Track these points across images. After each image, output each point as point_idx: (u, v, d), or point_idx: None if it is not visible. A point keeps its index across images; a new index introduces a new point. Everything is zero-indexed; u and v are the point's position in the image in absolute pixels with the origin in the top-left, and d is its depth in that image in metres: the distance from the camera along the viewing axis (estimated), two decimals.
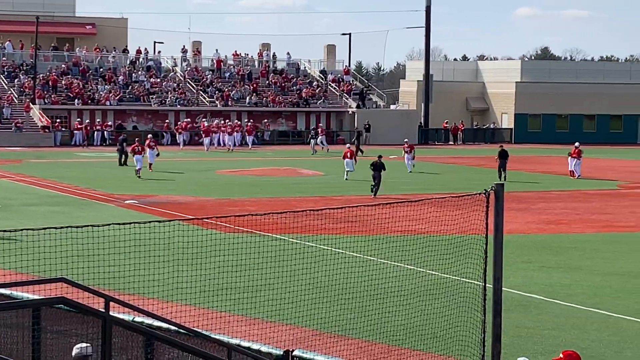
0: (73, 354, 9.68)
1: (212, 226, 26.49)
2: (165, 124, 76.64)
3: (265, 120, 79.89)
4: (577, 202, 38.31)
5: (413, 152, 51.79)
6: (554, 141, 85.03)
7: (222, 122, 74.84)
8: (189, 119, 77.19)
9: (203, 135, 71.12)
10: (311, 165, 56.00)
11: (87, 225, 11.18)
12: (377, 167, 40.28)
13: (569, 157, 50.32)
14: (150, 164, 49.29)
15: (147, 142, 49.44)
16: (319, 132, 72.13)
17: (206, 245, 18.81)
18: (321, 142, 70.49)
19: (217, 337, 12.22)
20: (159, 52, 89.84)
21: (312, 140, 69.42)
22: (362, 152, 64.21)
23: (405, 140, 55.46)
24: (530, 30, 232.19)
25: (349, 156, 46.83)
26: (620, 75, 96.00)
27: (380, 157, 41.44)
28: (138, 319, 11.96)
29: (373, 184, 39.86)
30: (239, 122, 76.81)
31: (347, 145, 51.60)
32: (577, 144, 51.68)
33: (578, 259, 25.16)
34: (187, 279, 17.74)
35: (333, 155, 65.56)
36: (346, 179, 45.96)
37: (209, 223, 26.44)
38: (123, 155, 53.38)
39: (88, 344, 9.78)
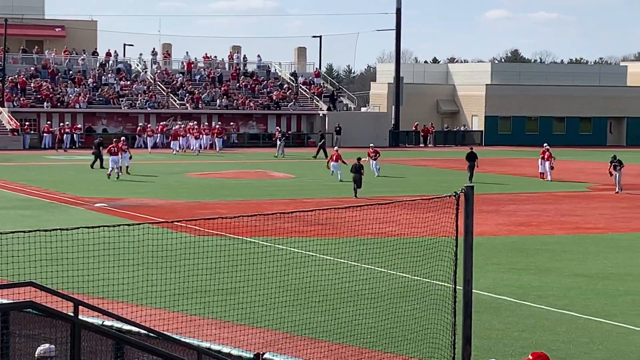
0: (36, 354, 9.63)
1: (183, 229, 26.42)
2: (139, 128, 75.85)
3: (232, 123, 79.71)
4: (547, 204, 38.51)
5: (378, 156, 51.43)
6: (524, 143, 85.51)
7: (189, 125, 74.39)
8: (163, 122, 76.97)
9: (171, 139, 71.01)
10: (282, 167, 55.97)
11: (56, 229, 11.12)
12: (357, 169, 40.96)
13: (540, 159, 50.56)
14: (127, 167, 49.10)
15: (120, 145, 49.24)
16: (276, 134, 72.20)
17: (176, 249, 18.75)
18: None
19: (187, 340, 12.18)
20: (129, 58, 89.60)
21: (278, 142, 69.40)
22: (325, 155, 64.49)
23: (371, 144, 55.27)
24: (501, 32, 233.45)
25: (334, 159, 47.20)
26: (590, 77, 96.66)
27: (359, 159, 42.06)
28: (108, 322, 11.91)
29: (354, 185, 40.44)
30: (207, 125, 76.42)
31: (335, 148, 51.35)
32: (546, 145, 52.00)
33: (548, 261, 25.28)
34: (158, 282, 17.66)
35: (302, 158, 65.58)
36: (340, 180, 46.15)
37: (179, 226, 26.37)
38: (99, 159, 53.09)
39: (52, 346, 9.72)
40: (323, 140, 69.39)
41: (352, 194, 39.92)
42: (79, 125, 75.37)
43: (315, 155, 66.30)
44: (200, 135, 72.93)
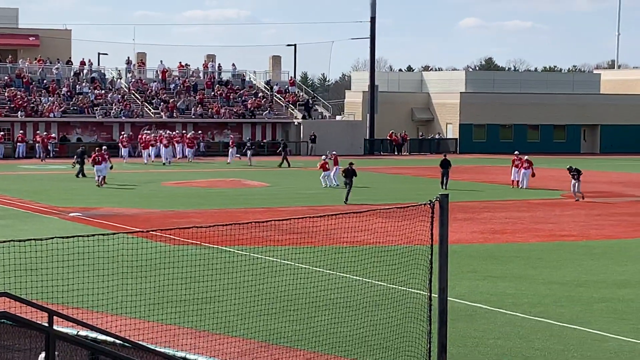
0: None
1: (158, 238, 26.35)
2: (121, 137, 73.45)
3: (200, 132, 78.65)
4: (521, 212, 38.66)
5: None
6: (499, 151, 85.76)
7: (160, 133, 72.48)
8: (132, 132, 76.51)
9: (142, 148, 70.46)
10: (257, 176, 55.94)
11: (31, 239, 11.07)
12: (349, 173, 42.04)
13: (512, 167, 50.67)
14: (104, 177, 48.96)
15: (101, 154, 49.27)
16: (230, 144, 71.42)
17: (152, 258, 18.71)
18: (236, 154, 70.08)
19: (163, 350, 12.15)
20: (104, 67, 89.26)
21: (248, 151, 69.22)
22: (289, 164, 65.21)
23: (333, 152, 54.77)
24: (475, 41, 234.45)
25: (327, 168, 48.47)
26: (564, 85, 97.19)
27: (351, 164, 43.20)
28: (83, 332, 11.86)
29: (346, 190, 41.51)
30: (178, 133, 75.30)
31: (322, 157, 51.34)
32: (517, 152, 52.25)
33: (523, 268, 25.38)
34: (133, 292, 17.61)
35: (268, 166, 65.56)
36: (337, 185, 47.33)
37: (155, 235, 26.30)
38: (81, 168, 52.87)
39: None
40: (287, 149, 69.53)
41: (328, 201, 39.97)
42: (53, 135, 74.91)
43: (280, 164, 66.26)
44: (169, 144, 70.20)
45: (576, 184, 44.23)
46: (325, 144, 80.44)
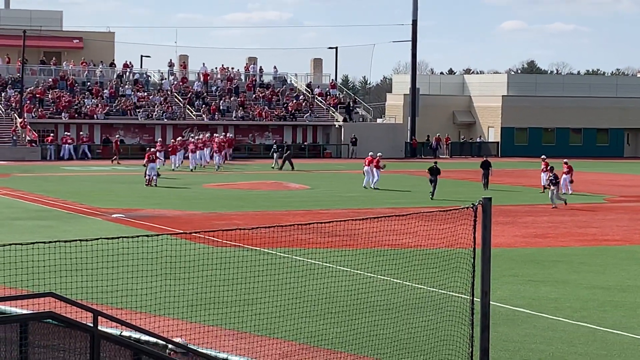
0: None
1: (200, 240, 26.48)
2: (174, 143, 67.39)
3: (230, 135, 75.22)
4: (564, 216, 38.41)
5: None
6: (541, 155, 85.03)
7: (197, 137, 68.83)
8: (174, 134, 76.87)
9: (170, 153, 63.28)
10: (298, 178, 56.04)
11: (76, 240, 11.17)
12: (434, 171, 44.40)
13: (542, 171, 49.62)
14: (155, 177, 49.81)
15: (154, 153, 51.13)
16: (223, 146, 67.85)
17: (194, 259, 18.81)
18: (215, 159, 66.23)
19: (205, 351, 12.22)
20: (146, 69, 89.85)
21: (274, 154, 67.34)
22: (292, 166, 64.03)
23: (379, 154, 54.64)
24: (517, 43, 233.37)
25: (367, 164, 49.73)
26: (607, 89, 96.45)
27: (436, 162, 46.16)
28: (126, 333, 11.95)
29: (431, 187, 43.89)
30: (207, 137, 69.39)
31: (370, 153, 51.64)
32: (543, 156, 51.96)
33: (565, 273, 25.23)
34: (176, 293, 17.73)
35: (318, 169, 65.54)
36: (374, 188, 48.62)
37: (197, 237, 26.43)
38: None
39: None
40: (289, 152, 66.90)
41: (366, 205, 40.14)
42: (120, 138, 72.99)
43: (280, 167, 64.63)
44: (196, 149, 64.66)
45: (555, 190, 41.82)
46: (366, 147, 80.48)
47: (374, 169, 49.48)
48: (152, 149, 53.22)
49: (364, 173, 50.48)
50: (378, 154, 50.91)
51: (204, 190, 48.17)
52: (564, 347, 17.24)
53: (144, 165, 51.20)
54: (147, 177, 49.69)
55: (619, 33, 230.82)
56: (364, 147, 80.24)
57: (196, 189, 48.99)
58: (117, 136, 73.44)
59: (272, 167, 65.61)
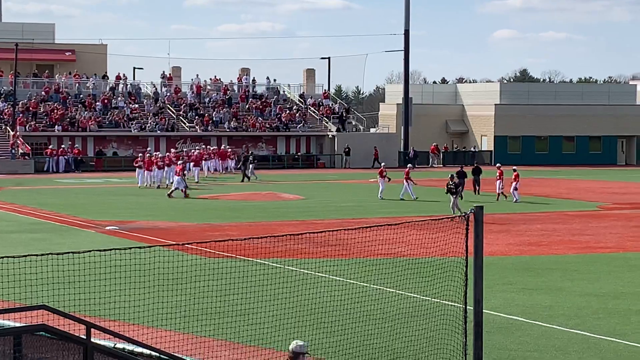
0: (290, 348, 11.24)
1: (193, 251, 26.48)
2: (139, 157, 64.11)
3: (208, 147, 72.74)
4: (557, 224, 38.46)
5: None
6: (534, 163, 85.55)
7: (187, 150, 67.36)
8: (168, 146, 76.81)
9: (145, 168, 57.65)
10: (292, 189, 56.03)
11: (68, 252, 11.19)
12: (461, 175, 47.20)
13: (496, 180, 49.74)
14: (185, 188, 50.26)
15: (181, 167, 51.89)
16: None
17: (187, 271, 18.82)
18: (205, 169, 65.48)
19: None
20: (139, 81, 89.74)
21: (250, 165, 64.12)
22: (248, 178, 61.96)
23: (382, 163, 56.10)
24: (509, 52, 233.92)
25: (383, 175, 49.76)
26: (599, 96, 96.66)
27: (462, 166, 50.05)
28: (119, 345, 11.95)
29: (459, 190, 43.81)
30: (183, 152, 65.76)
31: (383, 164, 54.43)
32: (498, 164, 52.97)
33: (559, 281, 25.25)
34: (169, 304, 17.72)
35: (312, 179, 65.56)
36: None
37: (190, 248, 26.43)
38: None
39: (304, 342, 11.28)
40: (247, 162, 64.01)
41: (360, 215, 40.26)
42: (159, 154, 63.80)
43: (247, 177, 62.55)
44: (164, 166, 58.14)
45: (454, 199, 40.36)
46: (360, 157, 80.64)
47: (381, 179, 49.27)
48: (179, 163, 54.15)
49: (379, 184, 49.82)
50: (408, 166, 53.43)
51: (198, 202, 48.16)
52: (558, 354, 17.25)
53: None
54: (184, 188, 50.09)
55: (611, 41, 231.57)
56: (357, 157, 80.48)
57: (189, 200, 48.97)
58: (156, 153, 62.21)
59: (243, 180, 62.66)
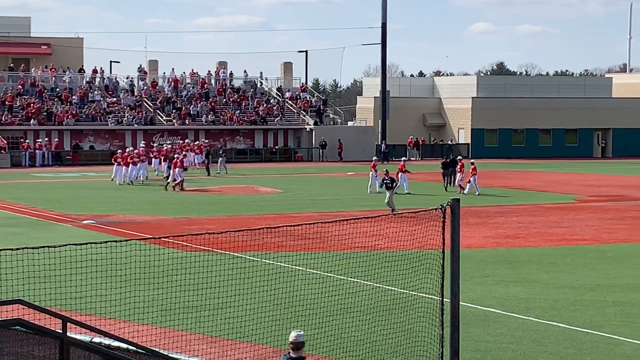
0: (290, 339, 11.48)
1: (170, 245, 26.43)
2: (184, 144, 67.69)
3: (181, 142, 72.06)
4: (534, 216, 38.62)
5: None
6: (511, 156, 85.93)
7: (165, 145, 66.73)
8: (145, 140, 76.63)
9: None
10: (269, 182, 56.00)
11: (44, 247, 11.13)
12: (446, 165, 50.81)
13: (457, 172, 51.25)
14: (182, 182, 50.59)
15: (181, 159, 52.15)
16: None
17: (165, 265, 18.78)
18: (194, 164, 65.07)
19: (176, 356, 12.20)
20: (116, 74, 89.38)
21: (219, 159, 64.35)
22: (209, 173, 61.56)
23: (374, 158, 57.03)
24: (486, 45, 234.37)
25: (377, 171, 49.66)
26: (575, 89, 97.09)
27: (452, 157, 52.35)
28: (96, 339, 11.92)
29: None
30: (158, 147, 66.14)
31: (374, 158, 56.11)
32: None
33: (535, 273, 25.36)
34: (146, 298, 17.67)
35: (290, 172, 65.53)
36: (378, 191, 46.98)
37: (167, 242, 26.38)
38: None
39: (301, 332, 11.52)
40: (210, 155, 63.73)
41: (341, 207, 40.34)
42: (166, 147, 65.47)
43: (208, 172, 62.02)
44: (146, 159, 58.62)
45: (389, 194, 39.38)
46: (337, 150, 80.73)
47: (402, 175, 48.78)
48: (178, 156, 53.91)
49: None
50: (402, 159, 54.15)
51: (175, 195, 48.05)
52: (535, 346, 17.33)
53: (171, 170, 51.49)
54: (177, 181, 50.26)
55: (587, 34, 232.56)
56: (334, 151, 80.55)
57: (167, 194, 48.85)
58: (166, 145, 65.95)
59: (218, 172, 62.74)
